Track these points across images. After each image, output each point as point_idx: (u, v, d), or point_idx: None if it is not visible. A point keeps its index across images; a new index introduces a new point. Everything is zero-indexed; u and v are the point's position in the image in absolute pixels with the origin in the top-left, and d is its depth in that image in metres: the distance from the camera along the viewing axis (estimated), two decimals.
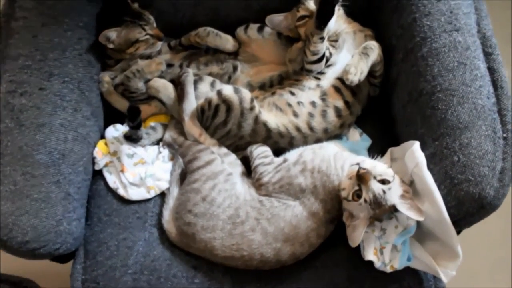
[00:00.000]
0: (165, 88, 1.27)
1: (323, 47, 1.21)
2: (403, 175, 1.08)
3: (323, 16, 1.16)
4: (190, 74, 1.25)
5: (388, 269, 1.06)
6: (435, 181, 1.02)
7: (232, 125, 1.18)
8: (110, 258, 1.15)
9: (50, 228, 1.05)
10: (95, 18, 1.29)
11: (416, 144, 1.07)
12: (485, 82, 1.06)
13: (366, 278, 1.12)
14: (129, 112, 1.19)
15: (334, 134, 1.24)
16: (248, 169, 1.20)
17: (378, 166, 1.03)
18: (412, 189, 1.06)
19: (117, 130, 1.27)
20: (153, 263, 1.14)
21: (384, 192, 1.00)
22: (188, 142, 1.22)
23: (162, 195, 1.23)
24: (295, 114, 1.21)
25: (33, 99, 1.10)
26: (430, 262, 1.05)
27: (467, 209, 0.99)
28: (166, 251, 1.16)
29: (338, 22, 1.28)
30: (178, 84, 1.26)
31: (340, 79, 1.22)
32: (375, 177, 1.01)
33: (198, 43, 1.32)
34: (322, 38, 1.19)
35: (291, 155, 1.17)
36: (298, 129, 1.20)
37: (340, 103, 1.22)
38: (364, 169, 1.01)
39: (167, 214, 1.18)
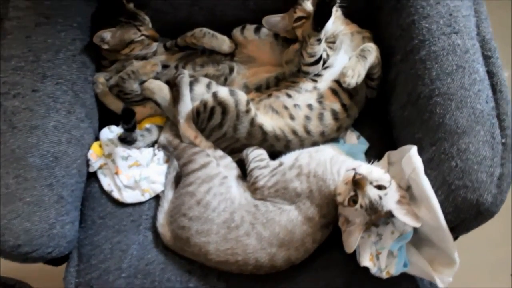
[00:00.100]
0: (160, 90, 1.25)
1: (320, 49, 1.19)
2: (400, 180, 1.07)
3: (320, 17, 1.15)
4: (185, 75, 1.24)
5: (384, 275, 1.05)
6: (432, 186, 1.00)
7: (227, 127, 1.17)
8: (104, 261, 1.14)
9: (42, 231, 1.04)
10: (89, 19, 1.27)
11: (414, 149, 1.05)
12: (484, 86, 1.05)
13: (363, 282, 1.10)
14: (123, 114, 1.18)
15: (331, 137, 1.23)
16: (244, 172, 1.19)
17: (375, 172, 1.02)
18: (409, 194, 1.05)
19: (111, 132, 1.26)
20: (147, 267, 1.13)
21: (380, 198, 0.99)
22: (183, 145, 1.21)
23: (157, 198, 1.22)
24: (292, 117, 1.20)
25: (26, 101, 1.09)
26: (426, 268, 1.04)
27: (465, 215, 0.98)
28: (160, 254, 1.15)
29: (336, 23, 1.26)
30: (174, 85, 1.24)
31: (337, 82, 1.20)
32: (371, 183, 1.00)
33: (194, 44, 1.31)
34: (319, 40, 1.18)
35: (287, 158, 1.16)
36: (294, 132, 1.19)
37: (337, 106, 1.21)
38: (360, 174, 1.00)
39: (161, 217, 1.16)
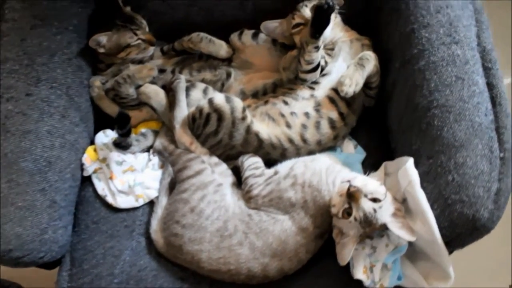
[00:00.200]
0: (156, 95, 1.24)
1: (318, 56, 1.18)
2: (396, 192, 1.05)
3: (318, 24, 1.13)
4: (182, 80, 1.22)
5: None
6: (428, 200, 0.99)
7: (223, 134, 1.16)
8: (96, 267, 1.13)
9: (34, 236, 1.04)
10: (86, 21, 1.26)
11: (410, 161, 1.04)
12: (483, 99, 1.03)
13: None
14: (118, 119, 1.17)
15: (327, 146, 1.21)
16: (239, 179, 1.18)
17: (370, 184, 1.01)
18: (404, 207, 1.04)
19: (107, 136, 1.25)
20: (140, 273, 1.12)
21: (375, 210, 0.98)
22: (178, 151, 1.20)
23: (151, 204, 1.21)
24: (288, 125, 1.18)
25: (19, 105, 1.09)
26: (421, 281, 1.03)
27: (460, 230, 0.97)
28: (153, 261, 1.14)
29: (335, 30, 1.25)
30: (170, 90, 1.23)
31: (335, 90, 1.19)
32: (366, 195, 0.98)
33: (191, 48, 1.30)
34: (317, 47, 1.16)
35: (283, 167, 1.14)
36: (290, 140, 1.18)
37: (334, 115, 1.19)
38: (354, 187, 0.98)
39: (155, 224, 1.16)
